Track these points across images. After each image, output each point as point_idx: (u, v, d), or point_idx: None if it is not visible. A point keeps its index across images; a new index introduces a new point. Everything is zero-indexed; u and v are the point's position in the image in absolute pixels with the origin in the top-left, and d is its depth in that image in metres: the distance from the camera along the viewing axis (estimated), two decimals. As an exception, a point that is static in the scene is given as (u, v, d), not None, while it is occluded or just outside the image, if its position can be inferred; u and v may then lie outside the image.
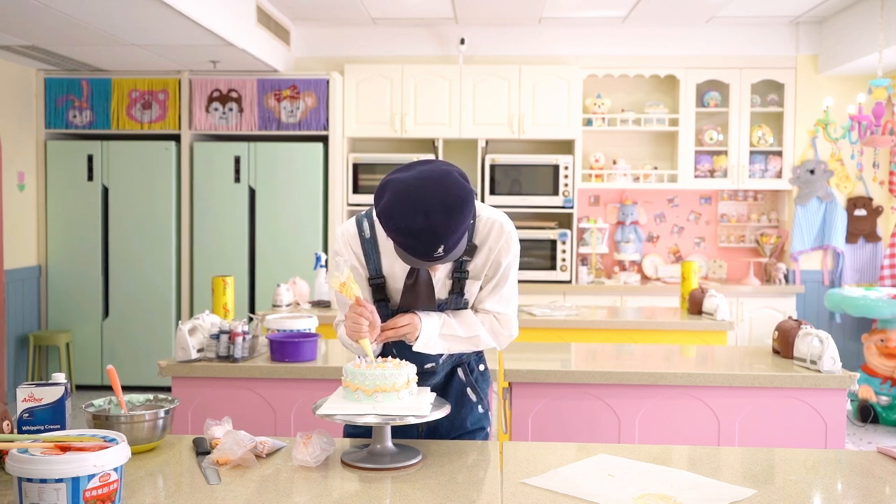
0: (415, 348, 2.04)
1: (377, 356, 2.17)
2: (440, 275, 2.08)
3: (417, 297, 2.05)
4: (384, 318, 2.07)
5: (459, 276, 2.08)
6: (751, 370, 3.02)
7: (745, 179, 6.48)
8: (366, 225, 2.10)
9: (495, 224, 2.07)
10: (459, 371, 2.22)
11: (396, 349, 2.14)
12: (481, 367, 2.27)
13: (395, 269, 2.08)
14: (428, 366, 2.14)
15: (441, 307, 2.10)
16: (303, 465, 1.86)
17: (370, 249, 2.09)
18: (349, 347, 2.14)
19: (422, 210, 1.80)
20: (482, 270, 2.09)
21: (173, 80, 6.31)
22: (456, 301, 2.10)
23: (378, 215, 1.87)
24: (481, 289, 2.12)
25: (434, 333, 2.05)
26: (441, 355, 2.15)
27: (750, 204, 6.78)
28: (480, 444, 2.07)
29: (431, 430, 2.17)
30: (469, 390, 2.21)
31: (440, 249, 1.84)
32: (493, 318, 2.13)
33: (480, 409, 2.22)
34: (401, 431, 2.11)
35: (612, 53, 6.55)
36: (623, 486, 1.77)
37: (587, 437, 3.00)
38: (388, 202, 1.84)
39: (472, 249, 2.05)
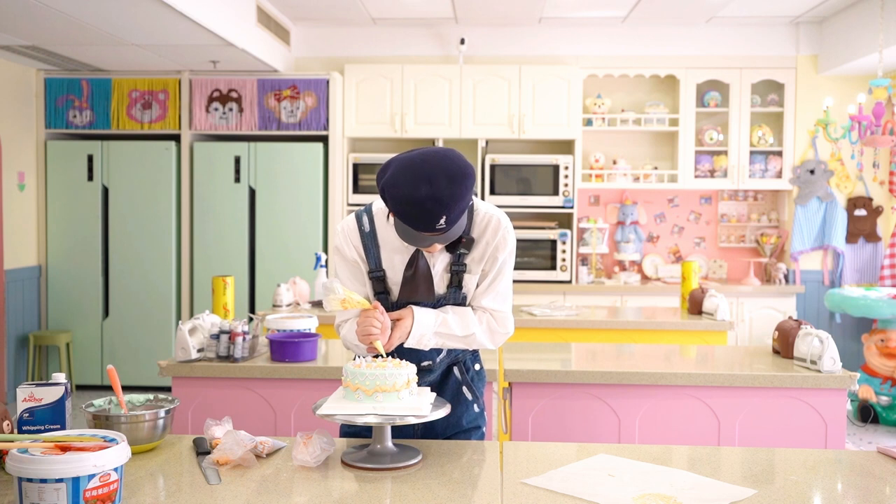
0: (406, 344, 2.07)
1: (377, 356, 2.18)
2: (438, 268, 2.10)
3: (416, 288, 2.08)
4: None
5: (457, 270, 2.10)
6: (751, 370, 3.02)
7: (745, 179, 6.48)
8: (365, 219, 2.14)
9: (493, 218, 2.11)
10: (455, 370, 2.23)
11: None
12: (477, 367, 2.28)
13: (395, 261, 2.11)
14: (425, 363, 2.16)
15: (440, 302, 2.11)
16: (303, 465, 1.86)
17: (370, 243, 2.12)
18: (352, 348, 2.16)
19: (426, 178, 1.86)
20: (479, 264, 2.11)
21: (173, 80, 6.31)
22: (454, 296, 2.12)
23: (382, 188, 1.92)
24: (477, 285, 2.14)
25: (428, 331, 2.07)
26: (439, 353, 2.17)
27: (750, 204, 6.78)
28: (480, 444, 2.07)
29: (427, 429, 2.18)
30: (465, 389, 2.23)
31: (442, 221, 1.88)
32: (490, 315, 2.14)
33: (476, 408, 2.23)
34: (397, 430, 2.11)
35: (612, 53, 6.55)
36: (623, 486, 1.77)
37: (587, 437, 3.00)
38: (393, 173, 1.90)
39: (469, 242, 2.08)
